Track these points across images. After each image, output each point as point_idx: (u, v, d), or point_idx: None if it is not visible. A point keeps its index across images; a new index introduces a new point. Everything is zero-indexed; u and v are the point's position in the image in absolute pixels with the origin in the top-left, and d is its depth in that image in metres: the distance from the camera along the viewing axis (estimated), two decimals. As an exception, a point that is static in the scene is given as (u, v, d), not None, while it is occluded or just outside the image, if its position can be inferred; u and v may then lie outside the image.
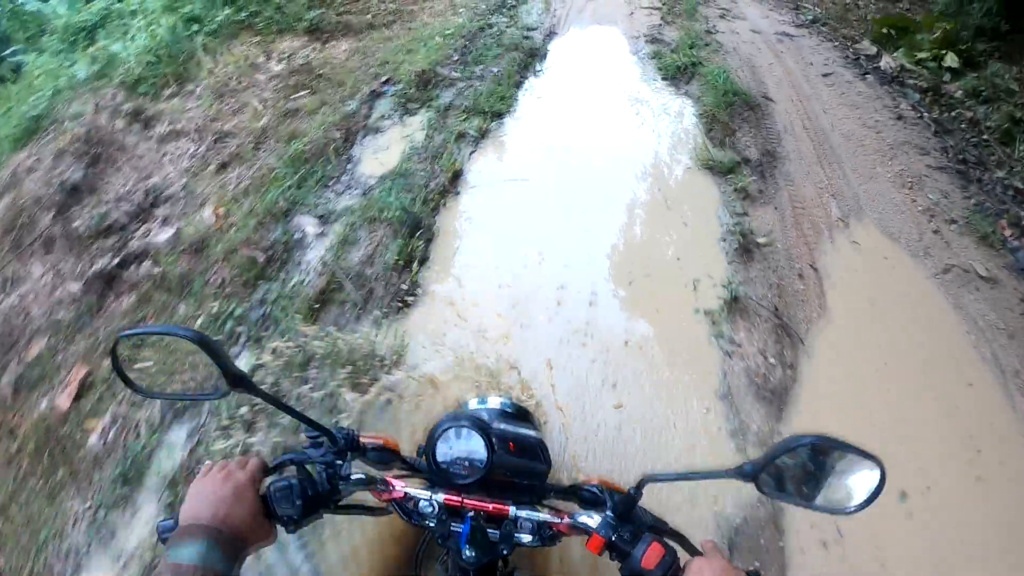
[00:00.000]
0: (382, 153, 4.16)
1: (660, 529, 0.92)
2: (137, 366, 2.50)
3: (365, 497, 1.00)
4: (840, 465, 0.77)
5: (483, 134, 4.11)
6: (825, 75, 5.01)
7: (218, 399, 0.98)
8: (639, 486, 0.90)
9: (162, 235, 3.59)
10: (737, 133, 4.14)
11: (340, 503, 0.95)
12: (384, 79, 4.96)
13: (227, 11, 6.37)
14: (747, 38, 5.62)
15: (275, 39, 6.18)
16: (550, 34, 5.81)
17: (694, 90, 4.68)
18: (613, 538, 0.88)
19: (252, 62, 5.76)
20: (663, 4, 6.48)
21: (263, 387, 0.88)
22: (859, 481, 0.76)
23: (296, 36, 6.22)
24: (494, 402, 1.16)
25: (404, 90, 4.72)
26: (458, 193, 3.62)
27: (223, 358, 0.80)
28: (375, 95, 4.82)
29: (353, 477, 0.93)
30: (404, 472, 1.01)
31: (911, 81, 5.07)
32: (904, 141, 4.38)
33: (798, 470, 0.79)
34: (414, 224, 3.32)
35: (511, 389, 2.15)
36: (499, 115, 4.33)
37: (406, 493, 0.96)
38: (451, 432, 0.94)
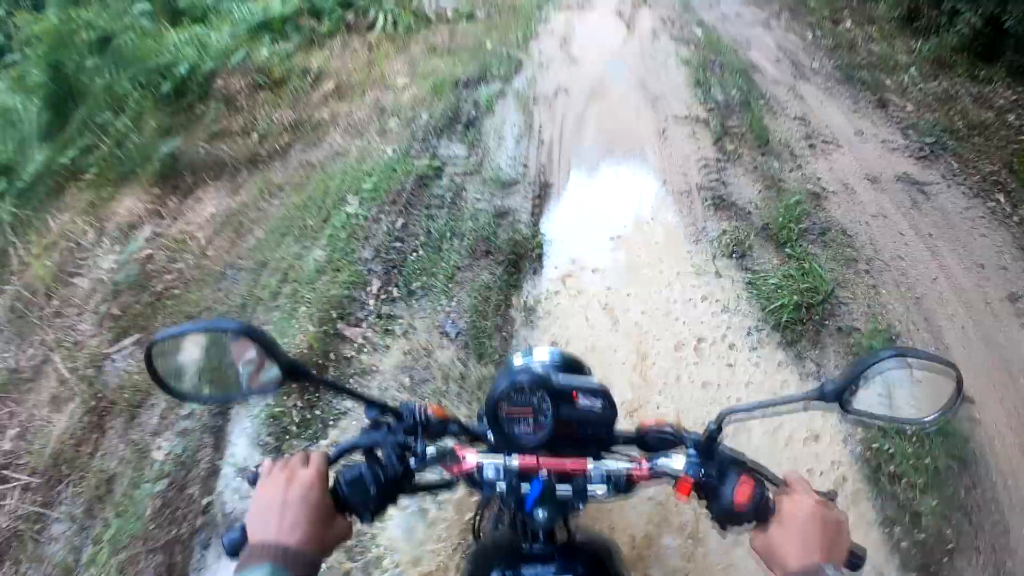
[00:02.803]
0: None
1: (740, 463, 0.82)
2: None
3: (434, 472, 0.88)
4: (916, 375, 0.74)
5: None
6: (1013, 298, 2.74)
7: (274, 392, 0.81)
8: (719, 421, 0.82)
9: None
10: (955, 558, 1.84)
11: (413, 483, 0.84)
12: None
13: (46, 151, 3.82)
14: (869, 201, 3.26)
15: (114, 194, 3.80)
16: (542, 189, 3.35)
17: (836, 373, 2.36)
18: (702, 477, 0.80)
19: (76, 243, 3.46)
20: (709, 110, 4.10)
21: None
22: (936, 389, 0.74)
23: (143, 189, 3.77)
24: (541, 353, 1.00)
25: (280, 423, 2.25)
26: None
27: (274, 347, 0.73)
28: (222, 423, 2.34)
29: (428, 455, 0.83)
30: (466, 440, 0.91)
31: None
32: None
33: (876, 384, 0.75)
34: None
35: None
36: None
37: (479, 463, 0.85)
38: (511, 392, 0.83)
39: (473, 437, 0.91)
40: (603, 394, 0.86)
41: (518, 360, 1.01)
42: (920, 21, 6.26)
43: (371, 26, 6.02)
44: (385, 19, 6.06)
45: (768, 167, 3.46)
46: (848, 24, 6.66)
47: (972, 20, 5.30)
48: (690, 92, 4.38)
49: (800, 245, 2.87)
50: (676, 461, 0.83)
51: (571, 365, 0.99)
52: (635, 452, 0.89)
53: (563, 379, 0.86)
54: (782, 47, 5.81)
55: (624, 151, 3.69)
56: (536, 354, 1.01)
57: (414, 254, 2.85)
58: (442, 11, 6.51)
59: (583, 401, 0.85)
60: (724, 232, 3.02)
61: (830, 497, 0.78)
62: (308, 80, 4.94)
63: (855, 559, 0.74)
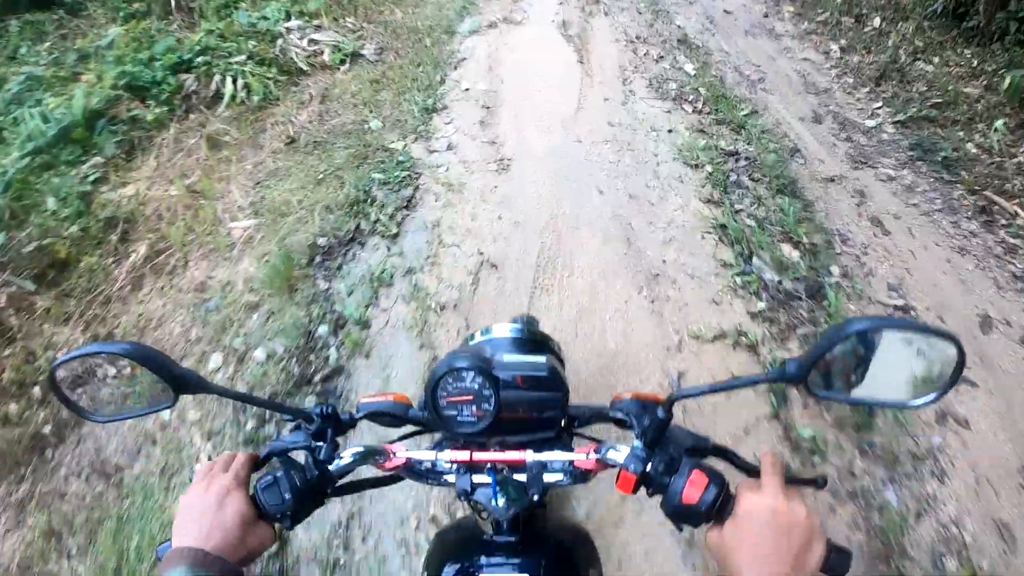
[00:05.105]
0: None
1: (702, 449, 0.69)
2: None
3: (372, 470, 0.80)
4: (904, 349, 0.55)
5: None
6: None
7: (171, 407, 0.70)
8: (668, 406, 0.67)
9: None
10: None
11: (341, 484, 0.75)
12: None
13: None
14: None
15: None
16: None
17: None
18: (647, 470, 0.66)
19: None
20: (752, 312, 2.29)
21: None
22: (930, 364, 0.55)
23: None
24: (501, 330, 0.90)
25: None
26: None
27: (164, 365, 0.65)
28: None
29: (344, 456, 0.73)
30: (416, 429, 0.84)
31: None
32: None
33: (851, 360, 0.57)
34: None
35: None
36: None
37: (408, 459, 0.78)
38: (449, 379, 0.73)
39: (425, 427, 0.82)
40: (551, 373, 0.77)
41: (477, 337, 0.92)
42: (972, 20, 4.46)
43: (217, 97, 3.89)
44: (235, 85, 3.93)
45: (875, 499, 1.74)
46: (876, 23, 4.76)
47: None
48: (710, 250, 2.54)
49: None
50: (621, 453, 0.69)
51: (534, 341, 0.90)
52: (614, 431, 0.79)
53: (504, 363, 0.77)
54: (808, 80, 3.96)
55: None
56: (496, 331, 0.90)
57: None
58: (317, 52, 4.37)
59: (529, 384, 0.76)
60: None
61: (817, 484, 0.66)
62: (112, 243, 2.90)
63: (836, 564, 0.58)
